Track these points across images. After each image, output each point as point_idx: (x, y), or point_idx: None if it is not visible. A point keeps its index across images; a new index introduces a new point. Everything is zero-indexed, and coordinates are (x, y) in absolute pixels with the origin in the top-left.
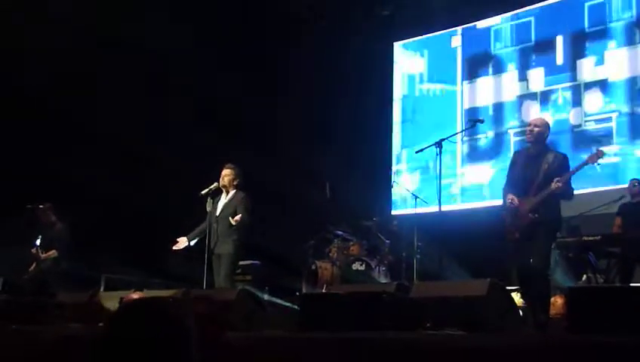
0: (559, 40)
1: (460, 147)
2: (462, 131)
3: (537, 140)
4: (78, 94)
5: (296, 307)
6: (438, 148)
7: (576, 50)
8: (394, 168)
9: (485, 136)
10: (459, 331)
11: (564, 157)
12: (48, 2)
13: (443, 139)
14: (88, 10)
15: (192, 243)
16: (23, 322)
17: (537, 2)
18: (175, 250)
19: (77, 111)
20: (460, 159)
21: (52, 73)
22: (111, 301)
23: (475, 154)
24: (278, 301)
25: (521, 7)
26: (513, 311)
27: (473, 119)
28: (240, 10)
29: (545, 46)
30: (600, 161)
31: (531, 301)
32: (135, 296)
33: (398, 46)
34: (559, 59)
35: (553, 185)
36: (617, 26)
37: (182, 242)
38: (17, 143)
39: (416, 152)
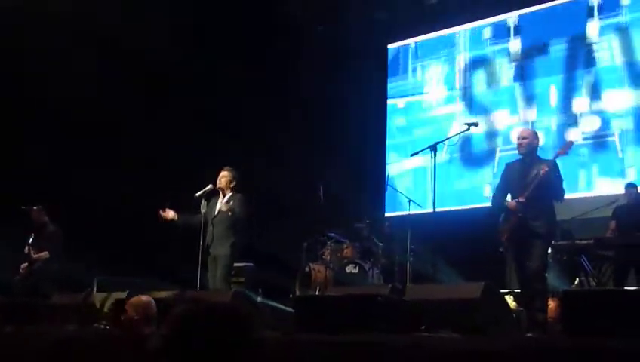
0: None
1: (456, 150)
2: (457, 135)
3: (528, 151)
4: (74, 94)
5: (290, 309)
6: (432, 152)
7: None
8: (388, 170)
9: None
10: (453, 334)
11: (554, 164)
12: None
13: (438, 142)
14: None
15: (179, 221)
16: (17, 324)
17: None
18: (161, 214)
19: (71, 110)
20: (455, 162)
21: (51, 73)
22: (107, 302)
23: (469, 158)
24: (272, 303)
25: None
26: (507, 314)
27: (468, 123)
28: (239, 12)
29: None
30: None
31: (528, 301)
32: (144, 298)
33: (393, 48)
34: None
35: (541, 171)
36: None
37: (170, 214)
38: (15, 143)
39: (411, 155)
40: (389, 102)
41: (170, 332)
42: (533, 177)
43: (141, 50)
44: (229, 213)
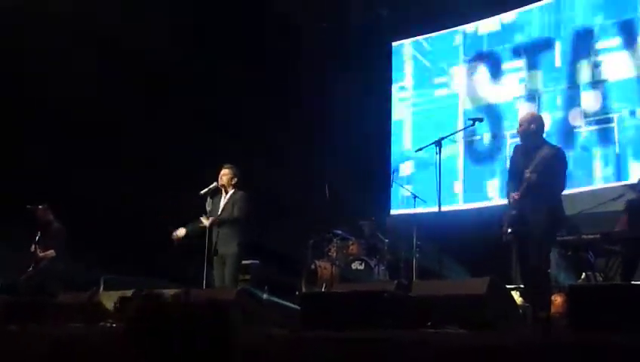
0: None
1: (461, 146)
2: (461, 130)
3: (528, 135)
4: (75, 94)
5: (296, 306)
6: (437, 147)
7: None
8: (393, 168)
9: (482, 138)
10: (459, 329)
11: (558, 150)
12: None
13: (442, 138)
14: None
15: (189, 231)
16: (23, 322)
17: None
18: (175, 237)
19: (73, 110)
20: (460, 158)
21: (52, 74)
22: (110, 301)
23: (474, 155)
24: (278, 300)
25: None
26: (513, 309)
27: (473, 118)
28: (239, 11)
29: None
30: None
31: (531, 297)
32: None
33: (396, 46)
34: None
35: (526, 175)
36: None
37: (181, 233)
38: (15, 143)
39: (416, 151)
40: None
41: (126, 328)
42: (534, 166)
43: (141, 50)
44: (235, 214)
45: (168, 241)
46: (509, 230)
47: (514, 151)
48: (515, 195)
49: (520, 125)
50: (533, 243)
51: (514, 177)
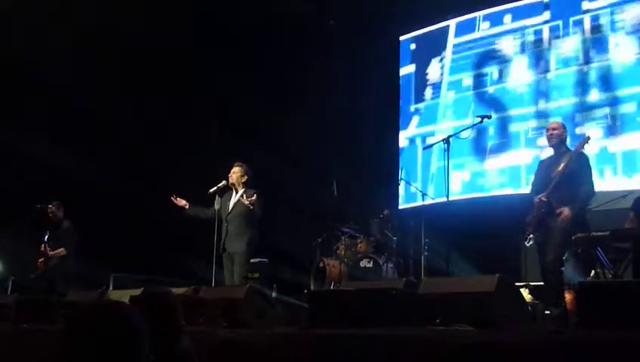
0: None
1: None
2: (470, 127)
3: (558, 142)
4: (86, 92)
5: (304, 304)
6: (445, 145)
7: None
8: (400, 165)
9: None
10: (468, 327)
11: (583, 156)
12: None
13: (451, 136)
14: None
15: (189, 211)
16: (34, 321)
17: None
18: (173, 200)
19: (85, 109)
20: (469, 152)
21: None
22: (120, 300)
23: (481, 148)
24: (287, 298)
25: None
26: (522, 307)
27: (481, 115)
28: (250, 9)
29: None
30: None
31: (544, 295)
32: None
33: (404, 40)
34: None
35: (553, 175)
36: None
37: (181, 202)
38: (24, 142)
39: (424, 148)
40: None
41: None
42: (558, 171)
43: (149, 47)
44: (251, 207)
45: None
46: (531, 235)
47: (539, 165)
48: (542, 196)
49: (554, 129)
50: (552, 241)
51: (538, 184)
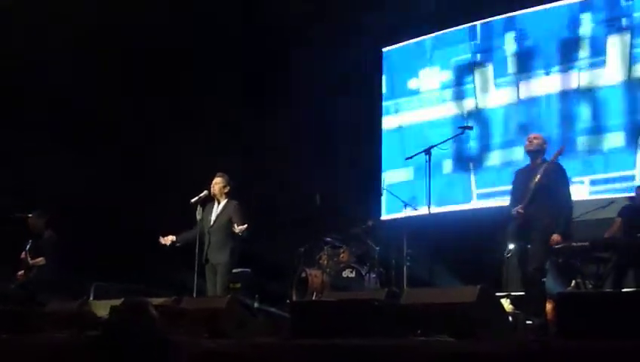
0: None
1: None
2: (451, 138)
3: (536, 151)
4: (66, 97)
5: (286, 314)
6: (427, 156)
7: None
8: (384, 175)
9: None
10: (449, 338)
11: (559, 166)
12: None
13: (432, 147)
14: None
15: (178, 244)
16: (13, 331)
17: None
18: (162, 242)
19: (65, 116)
20: (450, 164)
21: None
22: (101, 309)
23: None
24: (269, 308)
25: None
26: (503, 317)
27: (463, 126)
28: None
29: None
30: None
31: (525, 305)
32: None
33: (387, 52)
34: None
35: (530, 186)
36: None
37: (169, 239)
38: (5, 151)
39: (406, 159)
40: (385, 103)
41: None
42: (535, 182)
43: (136, 48)
44: (240, 234)
45: (157, 245)
46: (511, 246)
47: (515, 175)
48: (519, 209)
49: (535, 138)
50: (532, 251)
51: (517, 194)
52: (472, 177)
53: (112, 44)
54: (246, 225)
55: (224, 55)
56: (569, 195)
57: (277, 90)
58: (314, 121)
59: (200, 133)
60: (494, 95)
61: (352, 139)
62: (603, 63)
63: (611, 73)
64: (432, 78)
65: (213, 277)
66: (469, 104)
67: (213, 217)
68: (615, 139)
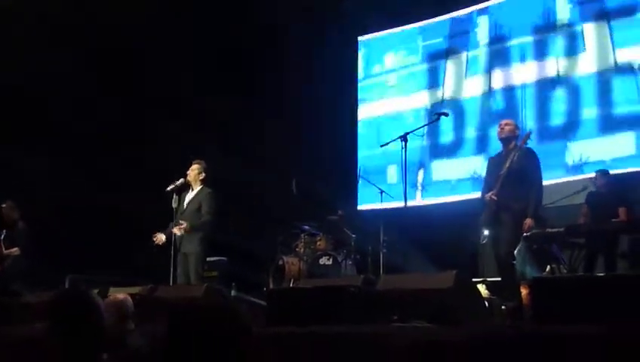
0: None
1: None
2: (427, 125)
3: (508, 137)
4: (41, 89)
5: (263, 302)
6: (403, 142)
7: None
8: (359, 164)
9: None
10: (425, 323)
11: (529, 151)
12: None
13: (408, 133)
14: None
15: (167, 236)
16: None
17: None
18: (155, 242)
19: (41, 107)
20: (427, 152)
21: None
22: None
23: (439, 150)
24: (246, 297)
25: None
26: (479, 302)
27: (438, 112)
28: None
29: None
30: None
31: (499, 289)
32: (121, 296)
33: (363, 41)
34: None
35: (500, 172)
36: None
37: (161, 238)
38: None
39: (381, 146)
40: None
41: (169, 334)
42: (505, 168)
43: (110, 39)
44: (182, 233)
45: (150, 244)
46: (486, 232)
47: (488, 162)
48: (491, 195)
49: (507, 125)
50: (504, 236)
51: (490, 181)
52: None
53: (83, 41)
54: (185, 226)
55: (200, 39)
56: (540, 179)
57: (252, 77)
58: (291, 105)
59: (176, 122)
60: (468, 84)
61: (329, 124)
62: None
63: (589, 60)
64: (406, 67)
65: (185, 266)
66: (441, 93)
67: (185, 204)
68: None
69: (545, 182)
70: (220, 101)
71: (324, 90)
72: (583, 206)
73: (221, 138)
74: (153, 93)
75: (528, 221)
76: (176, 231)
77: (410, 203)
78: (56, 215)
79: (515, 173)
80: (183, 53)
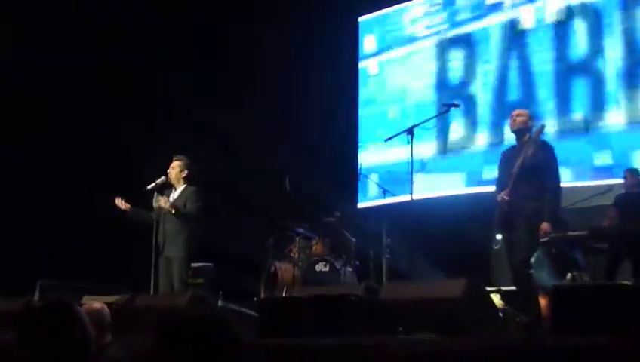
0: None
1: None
2: (435, 117)
3: (520, 129)
4: (22, 85)
5: (253, 313)
6: (409, 136)
7: None
8: (360, 160)
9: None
10: (433, 335)
11: (545, 144)
12: None
13: (414, 126)
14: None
15: (132, 212)
16: None
17: None
18: (116, 203)
19: (14, 105)
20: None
21: None
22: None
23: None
24: (234, 306)
25: None
26: (492, 313)
27: (447, 103)
28: None
29: None
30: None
31: (516, 299)
32: (97, 305)
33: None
34: None
35: (513, 170)
36: None
37: (124, 204)
38: None
39: (386, 140)
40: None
41: (157, 344)
42: (518, 164)
43: (87, 38)
44: (173, 212)
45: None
46: (499, 236)
47: (501, 157)
48: (504, 195)
49: (519, 115)
50: (518, 241)
51: (503, 178)
52: None
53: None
54: (169, 204)
55: (180, 29)
56: (557, 176)
57: (242, 68)
58: (284, 99)
59: (156, 116)
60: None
61: (325, 120)
62: None
63: None
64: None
65: (168, 271)
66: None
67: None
68: None
69: (566, 184)
70: (205, 92)
71: (321, 77)
72: (609, 208)
73: (205, 130)
74: (136, 90)
75: (545, 226)
76: (163, 203)
77: (415, 196)
78: (26, 216)
79: (528, 170)
80: (182, 52)
